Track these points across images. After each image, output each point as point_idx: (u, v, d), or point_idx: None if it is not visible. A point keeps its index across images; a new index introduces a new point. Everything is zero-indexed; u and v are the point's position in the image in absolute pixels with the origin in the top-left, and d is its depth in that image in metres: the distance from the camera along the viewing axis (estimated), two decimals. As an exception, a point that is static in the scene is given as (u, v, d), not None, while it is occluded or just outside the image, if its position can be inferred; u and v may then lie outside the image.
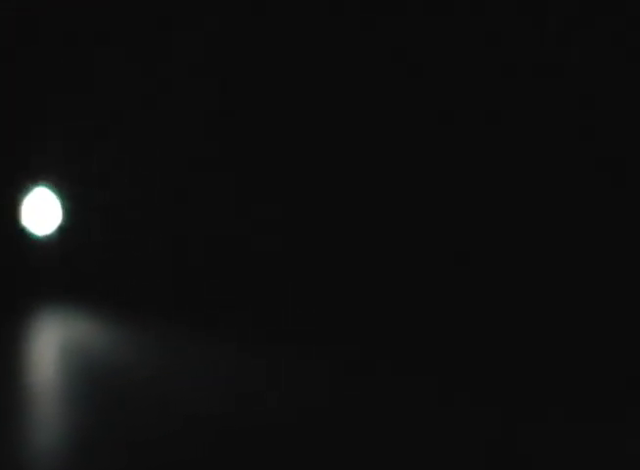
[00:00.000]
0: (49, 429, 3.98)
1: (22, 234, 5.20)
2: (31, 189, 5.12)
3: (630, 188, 5.65)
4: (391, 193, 5.63)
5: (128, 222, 5.47)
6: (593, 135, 5.68)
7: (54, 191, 5.23)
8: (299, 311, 5.47)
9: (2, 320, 5.10)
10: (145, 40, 5.55)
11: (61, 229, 5.26)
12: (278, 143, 5.68)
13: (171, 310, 5.65)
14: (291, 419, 4.20)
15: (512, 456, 4.05)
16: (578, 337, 5.36)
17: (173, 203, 5.52)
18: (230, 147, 5.67)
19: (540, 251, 5.66)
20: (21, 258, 5.24)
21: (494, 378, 5.01)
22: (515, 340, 5.37)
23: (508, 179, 5.74)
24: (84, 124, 5.45)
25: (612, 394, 4.76)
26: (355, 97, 5.65)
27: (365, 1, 5.64)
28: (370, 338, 5.27)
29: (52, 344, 5.14)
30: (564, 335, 5.39)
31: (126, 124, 5.51)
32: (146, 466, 3.79)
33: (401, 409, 4.57)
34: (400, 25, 5.66)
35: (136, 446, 3.85)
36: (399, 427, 4.33)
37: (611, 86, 5.66)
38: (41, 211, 5.14)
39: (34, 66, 5.52)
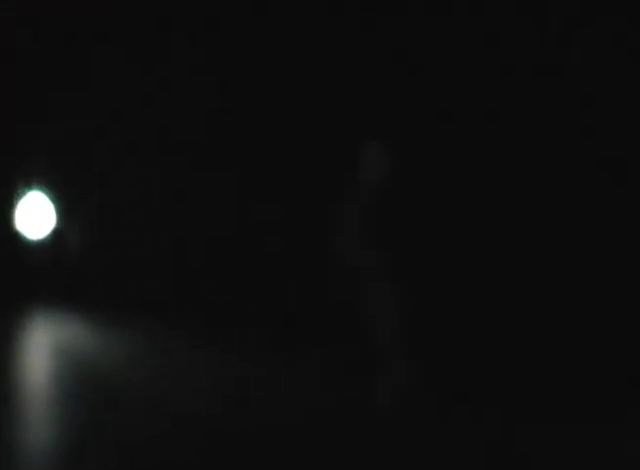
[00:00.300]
0: (41, 429, 3.98)
1: (16, 238, 5.22)
2: (26, 193, 5.13)
3: (630, 188, 5.63)
4: (393, 192, 5.61)
5: (123, 225, 5.39)
6: (593, 135, 5.66)
7: (48, 195, 5.23)
8: (299, 311, 5.46)
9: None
10: (145, 40, 5.54)
11: (55, 233, 5.27)
12: (277, 143, 5.67)
13: (167, 312, 5.62)
14: (288, 419, 4.19)
15: (512, 456, 4.04)
16: (578, 337, 5.35)
17: (173, 203, 5.50)
18: (230, 147, 5.66)
19: (539, 251, 5.65)
20: (14, 262, 5.24)
21: (494, 378, 5.01)
22: (514, 340, 5.36)
23: (508, 178, 5.72)
24: (82, 127, 5.38)
25: (612, 394, 4.75)
26: (355, 97, 5.64)
27: (365, 1, 5.64)
28: (369, 337, 5.25)
29: (45, 346, 5.12)
30: (564, 335, 5.39)
31: (126, 124, 5.46)
32: (136, 467, 3.80)
33: (401, 409, 4.56)
34: (400, 25, 5.65)
35: (126, 447, 3.85)
36: (399, 427, 4.33)
37: (611, 86, 5.64)
38: (35, 215, 5.14)
39: (34, 69, 5.49)
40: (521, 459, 4.00)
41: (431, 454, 3.99)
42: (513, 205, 5.67)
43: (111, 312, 5.42)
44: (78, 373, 4.65)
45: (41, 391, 4.45)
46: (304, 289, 5.49)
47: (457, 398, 4.70)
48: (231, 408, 4.28)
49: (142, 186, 5.49)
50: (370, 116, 5.61)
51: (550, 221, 5.68)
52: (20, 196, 5.21)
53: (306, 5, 5.66)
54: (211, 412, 4.21)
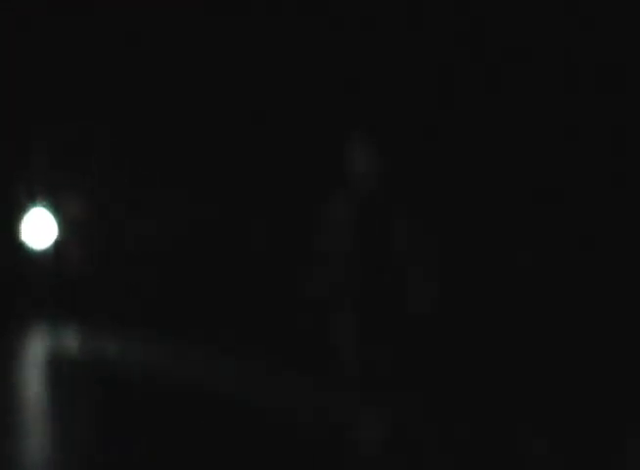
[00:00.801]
0: (41, 441, 4.04)
1: (21, 248, 5.49)
2: (30, 208, 5.43)
3: (630, 188, 5.51)
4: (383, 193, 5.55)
5: (120, 238, 5.55)
6: (593, 135, 5.54)
7: (50, 210, 5.48)
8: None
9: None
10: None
11: (56, 244, 5.52)
12: (265, 148, 5.66)
13: (164, 320, 5.66)
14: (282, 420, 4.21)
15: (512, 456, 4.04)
16: (578, 338, 5.30)
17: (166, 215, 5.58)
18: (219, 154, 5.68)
19: (539, 254, 5.56)
20: (19, 271, 5.48)
21: (495, 380, 5.00)
22: (513, 343, 5.34)
23: (508, 179, 5.64)
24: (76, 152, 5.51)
25: (612, 396, 4.71)
26: (342, 98, 5.57)
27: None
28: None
29: (44, 356, 5.26)
30: (563, 337, 5.34)
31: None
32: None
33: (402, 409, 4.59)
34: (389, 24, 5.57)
35: (128, 458, 3.92)
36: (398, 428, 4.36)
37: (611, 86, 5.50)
38: (38, 228, 5.43)
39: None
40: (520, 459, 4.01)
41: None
42: (511, 205, 5.58)
43: (109, 323, 5.54)
44: (76, 384, 4.73)
45: (39, 401, 4.55)
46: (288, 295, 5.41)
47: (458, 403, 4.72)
48: (224, 418, 4.32)
49: (138, 200, 5.64)
50: (356, 117, 5.50)
51: (550, 223, 5.58)
52: (24, 210, 5.51)
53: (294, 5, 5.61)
54: (204, 421, 4.26)
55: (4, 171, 5.54)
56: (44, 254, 5.58)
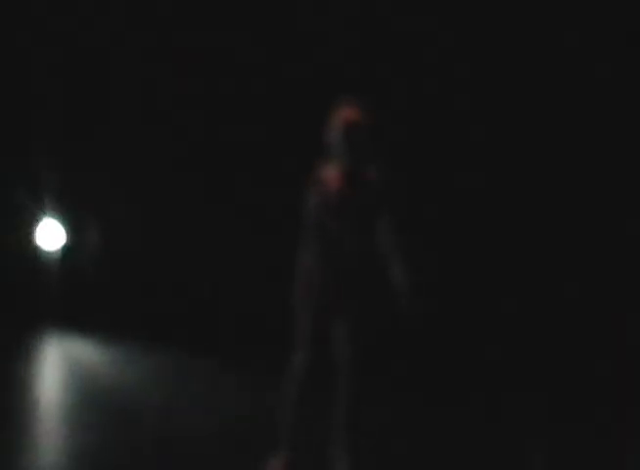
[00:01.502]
0: (53, 447, 4.02)
1: (37, 250, 6.05)
2: (44, 218, 6.02)
3: (630, 188, 5.59)
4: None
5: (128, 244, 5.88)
6: (592, 134, 5.61)
7: (60, 220, 6.06)
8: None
9: (10, 338, 5.46)
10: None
11: (64, 247, 6.07)
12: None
13: (173, 328, 5.66)
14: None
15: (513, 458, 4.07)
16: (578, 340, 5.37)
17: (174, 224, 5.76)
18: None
19: (540, 256, 5.61)
20: (35, 268, 5.99)
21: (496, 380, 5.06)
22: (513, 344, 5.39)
23: (505, 180, 5.69)
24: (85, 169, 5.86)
25: (611, 397, 4.77)
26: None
27: None
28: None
29: (56, 362, 5.24)
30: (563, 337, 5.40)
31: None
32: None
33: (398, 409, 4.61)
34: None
35: (137, 464, 3.90)
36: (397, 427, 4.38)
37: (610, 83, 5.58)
38: (50, 234, 6.06)
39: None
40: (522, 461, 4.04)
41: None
42: (509, 207, 5.63)
43: (120, 331, 5.64)
44: (90, 391, 4.74)
45: (53, 408, 4.57)
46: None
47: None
48: (229, 427, 4.31)
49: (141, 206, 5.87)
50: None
51: (551, 224, 5.64)
52: (39, 221, 6.06)
53: None
54: (209, 431, 4.25)
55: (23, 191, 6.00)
56: (55, 254, 6.06)
